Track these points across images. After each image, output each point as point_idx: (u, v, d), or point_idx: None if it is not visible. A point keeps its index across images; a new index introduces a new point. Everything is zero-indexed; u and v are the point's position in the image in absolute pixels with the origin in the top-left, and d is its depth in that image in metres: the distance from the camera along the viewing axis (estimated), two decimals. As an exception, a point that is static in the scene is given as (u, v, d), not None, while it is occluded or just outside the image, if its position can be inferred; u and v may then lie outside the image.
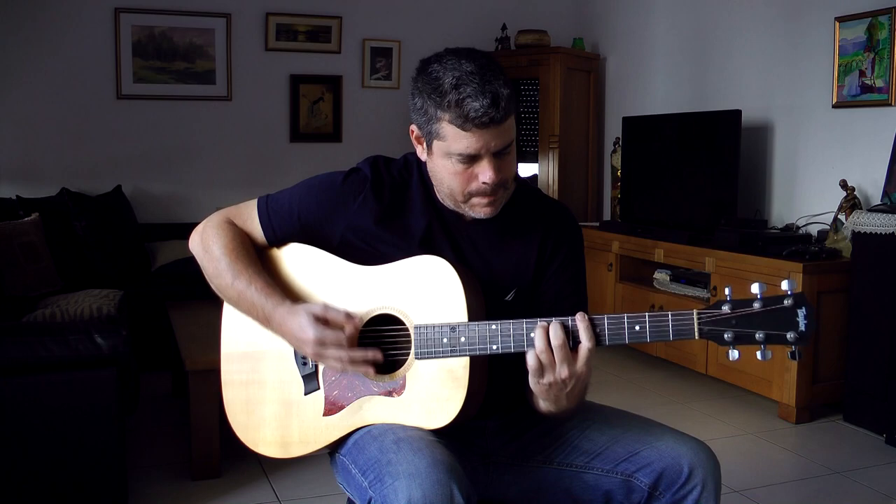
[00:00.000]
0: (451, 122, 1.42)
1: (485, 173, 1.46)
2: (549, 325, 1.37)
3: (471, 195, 1.49)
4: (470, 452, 1.59)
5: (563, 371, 1.36)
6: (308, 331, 1.46)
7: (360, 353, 1.46)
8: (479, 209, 1.51)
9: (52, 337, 2.42)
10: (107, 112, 4.94)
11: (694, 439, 1.54)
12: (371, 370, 1.48)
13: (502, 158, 1.47)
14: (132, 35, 4.94)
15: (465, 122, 1.41)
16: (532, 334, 1.39)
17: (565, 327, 1.37)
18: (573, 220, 1.69)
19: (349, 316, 1.48)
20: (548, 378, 1.38)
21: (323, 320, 1.46)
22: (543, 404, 1.47)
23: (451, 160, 1.46)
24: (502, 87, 1.42)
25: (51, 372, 2.41)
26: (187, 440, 2.98)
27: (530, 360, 1.38)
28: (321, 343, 1.45)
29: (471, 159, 1.45)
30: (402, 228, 1.57)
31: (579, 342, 1.37)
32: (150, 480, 2.88)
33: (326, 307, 1.48)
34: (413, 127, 1.53)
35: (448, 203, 1.55)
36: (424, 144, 1.52)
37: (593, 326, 1.38)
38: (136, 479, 2.85)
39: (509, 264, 1.60)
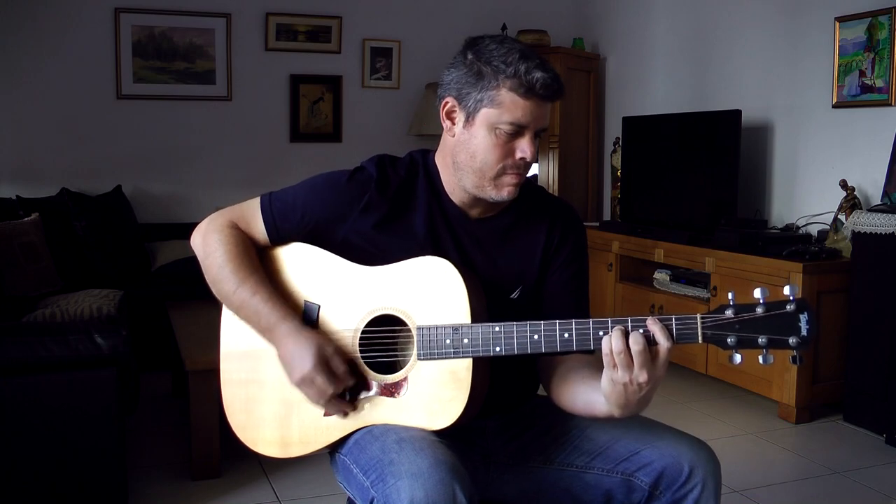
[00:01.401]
0: (512, 88, 1.45)
1: (525, 149, 1.48)
2: (626, 328, 1.33)
3: (504, 171, 1.50)
4: (471, 452, 1.58)
5: (641, 375, 1.31)
6: (306, 364, 1.45)
7: (335, 404, 1.48)
8: (504, 189, 1.51)
9: (52, 337, 2.41)
10: (107, 112, 4.94)
11: (695, 439, 1.54)
12: (342, 414, 1.50)
13: (535, 140, 1.50)
14: (132, 35, 4.94)
15: (528, 90, 1.44)
16: (601, 333, 1.36)
17: (646, 336, 1.32)
18: (577, 218, 1.69)
19: (348, 375, 1.47)
20: (623, 378, 1.32)
21: (325, 364, 1.46)
22: (609, 408, 1.38)
23: (496, 131, 1.47)
24: (556, 71, 1.49)
25: (51, 372, 2.40)
26: (187, 440, 2.98)
27: (607, 360, 1.33)
28: (310, 382, 1.46)
29: (517, 132, 1.47)
30: (405, 228, 1.57)
31: (656, 343, 1.33)
32: (150, 480, 2.88)
33: (335, 355, 1.47)
34: (448, 99, 1.52)
35: (468, 183, 1.53)
36: (461, 116, 1.51)
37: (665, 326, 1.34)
38: (136, 479, 2.85)
39: (514, 262, 1.60)
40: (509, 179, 1.51)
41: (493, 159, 1.49)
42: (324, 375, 1.45)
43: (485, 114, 1.47)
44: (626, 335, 1.33)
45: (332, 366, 1.46)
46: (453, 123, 1.53)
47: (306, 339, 1.47)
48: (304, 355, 1.46)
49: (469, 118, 1.50)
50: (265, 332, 1.53)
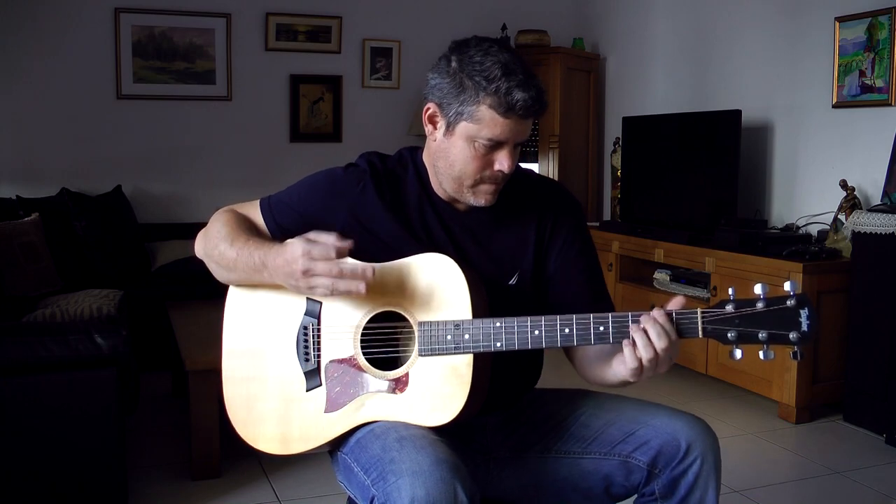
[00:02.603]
0: (492, 106, 1.44)
1: (503, 162, 1.49)
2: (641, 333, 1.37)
3: (481, 181, 1.51)
4: (471, 449, 1.59)
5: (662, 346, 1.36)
6: (296, 248, 1.41)
7: (349, 266, 1.40)
8: (481, 196, 1.53)
9: (52, 337, 2.41)
10: (107, 112, 4.94)
11: (689, 414, 1.55)
12: (363, 287, 1.40)
13: (515, 151, 1.50)
14: (132, 35, 4.94)
15: (507, 109, 1.44)
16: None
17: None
18: (570, 196, 1.69)
19: (338, 237, 1.44)
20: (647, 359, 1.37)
21: (310, 242, 1.42)
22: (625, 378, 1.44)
23: (474, 144, 1.48)
24: (541, 85, 1.47)
25: (51, 372, 2.40)
26: (187, 440, 2.97)
27: (630, 359, 1.38)
28: (309, 256, 1.40)
29: (495, 146, 1.48)
30: (399, 221, 1.58)
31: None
32: (150, 480, 2.88)
33: (316, 233, 1.45)
34: (431, 105, 1.52)
35: (447, 188, 1.56)
36: (443, 124, 1.51)
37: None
38: (136, 479, 2.85)
39: (508, 248, 1.61)
40: (486, 188, 1.53)
41: (471, 170, 1.50)
42: (316, 248, 1.40)
43: (464, 127, 1.48)
44: (646, 333, 1.36)
45: (320, 239, 1.42)
46: (435, 128, 1.54)
47: (287, 242, 1.46)
48: (292, 250, 1.42)
49: (449, 127, 1.50)
50: (261, 269, 1.49)
